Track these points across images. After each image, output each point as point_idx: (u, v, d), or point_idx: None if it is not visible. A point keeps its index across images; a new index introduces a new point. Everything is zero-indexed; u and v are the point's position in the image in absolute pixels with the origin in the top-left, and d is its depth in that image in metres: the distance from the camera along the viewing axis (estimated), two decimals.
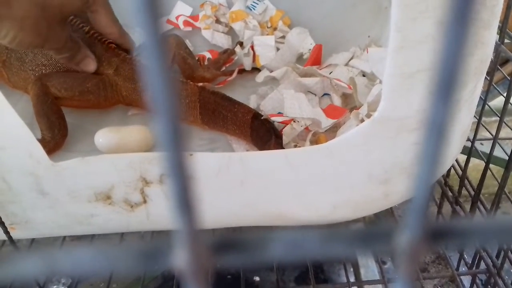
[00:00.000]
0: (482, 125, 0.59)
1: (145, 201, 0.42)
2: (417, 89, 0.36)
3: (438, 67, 0.08)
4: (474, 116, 0.54)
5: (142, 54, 0.10)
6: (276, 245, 0.09)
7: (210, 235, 0.09)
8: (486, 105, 0.58)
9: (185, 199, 0.09)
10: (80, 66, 0.59)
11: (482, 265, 0.58)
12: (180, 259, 0.09)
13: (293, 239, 0.09)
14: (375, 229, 0.09)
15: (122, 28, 0.62)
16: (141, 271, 0.08)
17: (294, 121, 0.53)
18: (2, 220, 0.42)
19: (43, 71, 0.61)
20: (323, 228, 0.09)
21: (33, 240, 0.56)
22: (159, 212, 0.44)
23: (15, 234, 0.45)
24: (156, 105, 0.10)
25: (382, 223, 0.09)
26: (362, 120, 0.50)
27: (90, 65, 0.60)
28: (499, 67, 0.58)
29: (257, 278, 0.93)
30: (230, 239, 0.09)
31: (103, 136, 0.56)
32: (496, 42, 0.47)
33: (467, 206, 0.61)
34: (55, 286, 0.93)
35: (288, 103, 0.54)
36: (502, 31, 0.48)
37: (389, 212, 0.62)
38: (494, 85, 0.60)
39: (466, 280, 0.60)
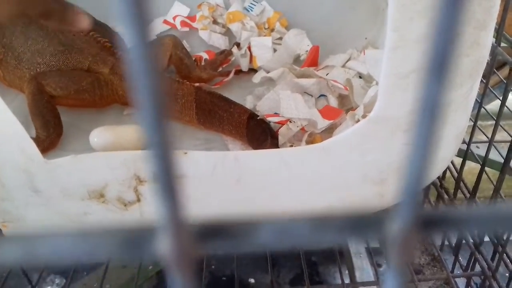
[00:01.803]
0: (478, 128, 0.59)
1: (138, 200, 0.42)
2: (413, 89, 0.36)
3: (430, 47, 0.08)
4: (470, 119, 0.54)
5: (128, 53, 0.09)
6: (264, 232, 0.08)
7: (195, 223, 0.08)
8: (482, 108, 0.58)
9: (168, 186, 0.09)
10: (74, 25, 0.56)
11: (477, 268, 0.57)
12: (163, 246, 0.08)
13: (282, 226, 0.08)
14: (366, 217, 0.09)
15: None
16: (123, 258, 0.08)
17: (290, 122, 0.53)
18: None
19: (39, 69, 0.61)
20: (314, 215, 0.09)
21: None
22: (153, 211, 0.43)
23: (7, 232, 0.44)
24: (140, 102, 0.09)
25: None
26: (358, 121, 0.50)
27: (84, 21, 0.57)
28: (495, 71, 0.58)
29: (252, 280, 0.93)
30: (216, 226, 0.09)
31: (98, 135, 0.55)
32: (492, 45, 0.47)
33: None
34: (49, 287, 0.92)
35: (284, 103, 0.53)
36: (498, 33, 0.48)
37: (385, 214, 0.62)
38: (490, 88, 0.60)
39: (461, 282, 0.60)
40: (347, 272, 0.86)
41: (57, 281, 0.93)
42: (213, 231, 0.09)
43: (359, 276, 0.82)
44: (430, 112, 0.08)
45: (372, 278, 0.79)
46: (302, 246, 0.09)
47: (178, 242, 0.08)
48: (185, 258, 0.08)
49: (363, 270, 0.84)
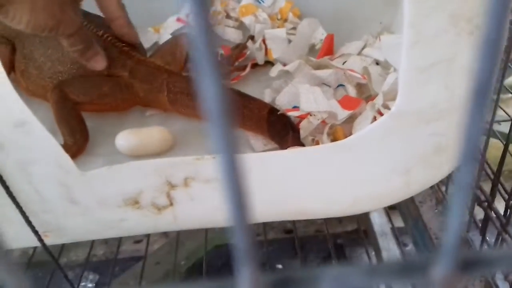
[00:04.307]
0: (499, 107, 0.58)
1: (171, 204, 0.43)
2: (433, 82, 0.36)
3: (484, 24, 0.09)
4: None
5: (193, 65, 0.10)
6: (325, 280, 0.10)
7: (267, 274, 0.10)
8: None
9: (245, 243, 0.10)
10: (90, 62, 0.59)
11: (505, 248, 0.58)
12: None
13: (339, 274, 0.10)
14: (412, 262, 0.10)
15: (128, 17, 0.62)
16: None
17: (310, 115, 0.54)
18: (36, 229, 0.44)
19: (61, 78, 0.62)
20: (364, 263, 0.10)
21: (63, 245, 0.58)
22: (185, 214, 0.45)
23: (48, 241, 0.47)
24: (210, 109, 0.10)
25: (419, 255, 0.10)
26: (378, 111, 0.51)
27: (100, 62, 0.60)
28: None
29: (279, 266, 0.95)
30: (285, 277, 0.10)
31: (124, 138, 0.57)
32: (509, 27, 0.47)
33: (486, 187, 0.61)
34: (83, 283, 0.96)
35: (304, 97, 0.54)
36: None
37: (410, 200, 0.63)
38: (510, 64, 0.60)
39: None
40: (373, 253, 0.88)
41: (90, 277, 0.96)
42: (283, 281, 0.10)
43: (386, 257, 0.83)
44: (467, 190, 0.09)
45: (399, 258, 0.80)
46: None
47: None
48: None
49: (390, 250, 0.85)
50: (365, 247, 0.74)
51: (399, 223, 0.81)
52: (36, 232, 0.43)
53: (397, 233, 0.77)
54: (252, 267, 0.09)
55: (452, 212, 0.09)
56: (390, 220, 0.82)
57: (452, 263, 0.09)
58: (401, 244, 0.75)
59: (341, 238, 1.01)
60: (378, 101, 0.51)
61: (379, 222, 0.93)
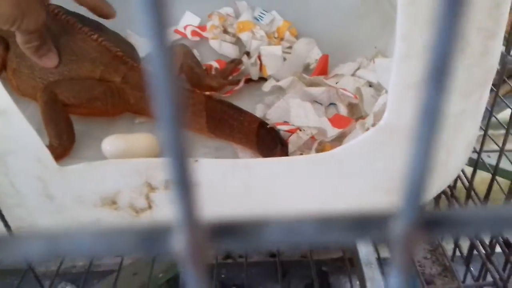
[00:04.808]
0: (489, 136, 0.58)
1: (150, 207, 0.42)
2: None
3: (431, 53, 0.08)
4: (481, 128, 0.54)
5: (149, 62, 0.10)
6: (273, 230, 0.09)
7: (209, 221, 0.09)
8: (494, 118, 0.58)
9: (184, 184, 0.09)
10: (42, 59, 0.59)
11: (489, 278, 0.57)
12: (178, 242, 0.09)
13: (289, 225, 0.09)
14: (370, 217, 0.09)
15: None
16: (140, 253, 0.09)
17: (300, 130, 0.53)
18: (9, 223, 0.42)
19: (52, 79, 0.62)
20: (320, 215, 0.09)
21: None
22: (164, 218, 0.44)
23: None
24: (161, 112, 0.10)
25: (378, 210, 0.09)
26: (368, 130, 0.50)
27: (53, 60, 0.59)
28: (506, 79, 0.58)
29: None
30: (228, 224, 0.09)
31: (110, 144, 0.56)
32: (502, 53, 0.47)
33: None
34: None
35: (294, 111, 0.54)
36: (508, 42, 0.48)
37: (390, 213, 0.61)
38: (502, 97, 0.60)
39: None
40: (358, 282, 0.86)
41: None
42: (226, 229, 0.09)
43: (370, 287, 0.81)
44: (430, 118, 0.08)
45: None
46: (308, 244, 0.09)
47: (192, 239, 0.09)
48: (199, 254, 0.09)
49: (374, 280, 0.83)
50: (349, 276, 0.73)
51: (385, 253, 0.80)
52: (8, 227, 0.42)
53: (383, 264, 0.76)
54: (189, 210, 0.09)
55: (413, 155, 0.08)
56: (376, 250, 0.81)
57: (412, 219, 0.09)
58: (386, 275, 0.74)
59: (326, 265, 0.99)
60: (369, 121, 0.51)
61: (365, 251, 0.91)
